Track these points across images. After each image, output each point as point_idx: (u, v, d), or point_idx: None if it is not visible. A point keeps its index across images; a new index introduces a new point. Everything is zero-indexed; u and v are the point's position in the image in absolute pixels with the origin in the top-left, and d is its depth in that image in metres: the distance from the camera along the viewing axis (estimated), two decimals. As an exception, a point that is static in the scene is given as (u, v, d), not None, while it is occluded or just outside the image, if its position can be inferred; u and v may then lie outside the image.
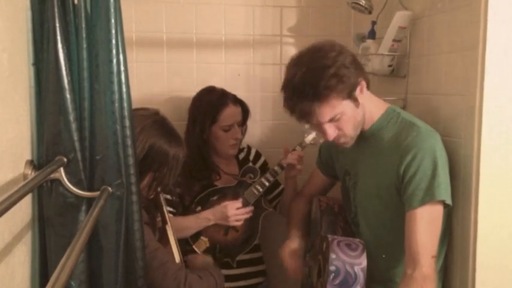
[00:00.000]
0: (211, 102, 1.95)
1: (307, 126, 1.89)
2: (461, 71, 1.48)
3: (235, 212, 1.87)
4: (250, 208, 1.91)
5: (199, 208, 1.92)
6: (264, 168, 2.05)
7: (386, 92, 1.95)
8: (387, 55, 1.84)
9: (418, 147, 1.40)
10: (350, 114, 1.43)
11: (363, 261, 1.42)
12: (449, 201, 1.40)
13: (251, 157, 2.09)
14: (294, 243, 1.71)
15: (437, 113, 1.62)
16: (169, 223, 1.68)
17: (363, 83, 1.44)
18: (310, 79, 1.36)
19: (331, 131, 1.44)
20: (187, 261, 1.77)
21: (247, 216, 1.91)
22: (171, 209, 1.87)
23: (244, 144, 2.11)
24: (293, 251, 1.69)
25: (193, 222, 1.89)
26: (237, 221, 1.89)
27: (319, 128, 1.46)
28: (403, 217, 1.41)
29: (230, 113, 1.96)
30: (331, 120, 1.42)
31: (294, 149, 1.90)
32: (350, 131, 1.46)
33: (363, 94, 1.45)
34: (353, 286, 1.39)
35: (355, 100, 1.42)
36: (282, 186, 2.05)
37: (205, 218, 1.88)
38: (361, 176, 1.56)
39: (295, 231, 1.75)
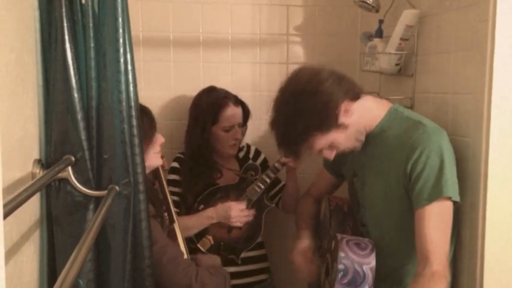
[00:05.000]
0: (212, 102, 1.96)
1: None
2: (469, 70, 1.47)
3: (238, 213, 1.89)
4: (252, 211, 1.93)
5: (202, 207, 1.94)
6: (265, 165, 2.06)
7: (394, 91, 1.94)
8: (394, 54, 1.83)
9: (424, 145, 1.39)
10: (341, 139, 1.46)
11: (372, 260, 1.41)
12: (456, 198, 1.39)
13: (251, 155, 2.10)
14: (304, 243, 1.71)
15: (445, 112, 1.61)
16: (176, 222, 1.68)
17: (346, 105, 1.43)
18: (288, 129, 1.46)
19: (328, 155, 1.50)
20: (195, 260, 1.78)
21: (249, 219, 1.92)
22: (175, 209, 1.89)
23: (243, 142, 2.11)
24: (305, 253, 1.68)
25: (196, 221, 1.90)
26: (239, 222, 1.90)
27: None
28: (411, 217, 1.40)
29: (231, 114, 1.96)
30: (321, 150, 1.48)
31: None
32: (349, 145, 1.49)
33: (350, 113, 1.44)
34: (361, 285, 1.39)
35: (339, 127, 1.43)
36: (282, 183, 2.06)
37: (208, 216, 1.90)
38: (368, 177, 1.56)
39: (305, 232, 1.74)
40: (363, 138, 1.50)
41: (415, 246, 1.37)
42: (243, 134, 2.05)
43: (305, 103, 1.42)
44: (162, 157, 1.62)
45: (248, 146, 2.13)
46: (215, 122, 1.94)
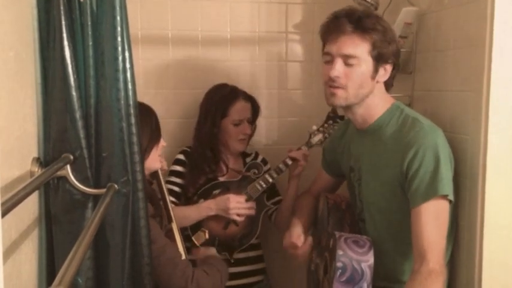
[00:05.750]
0: (223, 96, 1.98)
1: (314, 127, 1.90)
2: (468, 67, 1.47)
3: (236, 205, 1.88)
4: (252, 204, 1.92)
5: (201, 200, 1.93)
6: None
7: (393, 89, 1.93)
8: (393, 51, 1.82)
9: (420, 143, 1.39)
10: (363, 72, 1.44)
11: (370, 258, 1.42)
12: (451, 197, 1.39)
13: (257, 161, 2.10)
14: (294, 230, 1.68)
15: (444, 110, 1.61)
16: (174, 221, 1.68)
17: (388, 70, 1.47)
18: (365, 13, 1.45)
19: (339, 68, 1.43)
20: (193, 253, 1.78)
21: (248, 212, 1.91)
22: (173, 199, 1.89)
23: (252, 149, 2.12)
24: (297, 235, 1.65)
25: (194, 211, 1.89)
26: (237, 215, 1.89)
27: (328, 63, 1.47)
28: (407, 213, 1.40)
29: (241, 108, 1.97)
30: (345, 60, 1.43)
31: (299, 148, 1.91)
32: (352, 88, 1.44)
33: (382, 79, 1.48)
34: (360, 283, 1.39)
35: (375, 69, 1.45)
36: (280, 197, 2.05)
37: (207, 207, 1.89)
38: (364, 172, 1.56)
39: (296, 222, 1.71)
40: (357, 99, 1.47)
41: (412, 243, 1.38)
42: (253, 131, 2.05)
43: (389, 26, 1.47)
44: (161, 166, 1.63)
45: (256, 154, 2.13)
46: (225, 115, 1.95)
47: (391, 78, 1.50)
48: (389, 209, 1.50)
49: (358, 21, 1.41)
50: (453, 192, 1.41)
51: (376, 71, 1.44)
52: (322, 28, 1.50)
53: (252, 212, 1.92)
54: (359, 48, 1.41)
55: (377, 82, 1.47)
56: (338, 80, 1.43)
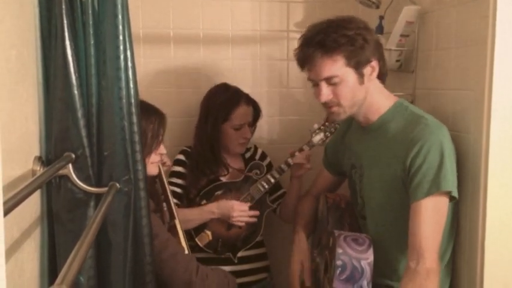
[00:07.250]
0: (225, 100, 1.96)
1: (316, 126, 1.90)
2: (470, 66, 1.47)
3: (240, 213, 1.89)
4: (255, 212, 1.92)
5: (204, 201, 1.94)
6: (269, 168, 2.05)
7: (394, 87, 1.93)
8: (395, 50, 1.82)
9: (425, 139, 1.39)
10: (350, 85, 1.43)
11: (370, 256, 1.42)
12: (455, 193, 1.39)
13: (257, 157, 2.10)
14: (300, 250, 1.69)
15: (446, 108, 1.61)
16: (177, 218, 1.68)
17: (375, 66, 1.45)
18: (326, 30, 1.42)
19: (325, 92, 1.45)
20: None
21: (251, 220, 1.92)
22: (176, 201, 1.89)
23: (251, 143, 2.12)
24: (301, 261, 1.67)
25: (197, 214, 1.90)
26: (239, 222, 1.90)
27: (315, 86, 1.48)
28: (408, 210, 1.40)
29: (242, 113, 1.96)
30: (328, 81, 1.44)
31: (301, 148, 1.90)
32: (346, 102, 1.46)
33: (372, 77, 1.46)
34: (360, 281, 1.39)
35: (360, 75, 1.44)
36: (283, 190, 2.06)
37: (210, 211, 1.90)
38: (366, 168, 1.56)
39: (300, 234, 1.72)
40: (354, 110, 1.49)
41: (408, 239, 1.37)
42: (252, 133, 2.05)
43: (355, 27, 1.43)
44: (164, 163, 1.61)
45: (255, 148, 2.13)
46: (226, 119, 1.95)
47: (382, 69, 1.49)
48: (390, 205, 1.50)
49: (322, 44, 1.41)
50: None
51: (361, 75, 1.44)
52: (296, 59, 1.51)
53: (255, 220, 1.93)
54: (334, 67, 1.42)
55: (369, 82, 1.47)
56: (329, 102, 1.47)
